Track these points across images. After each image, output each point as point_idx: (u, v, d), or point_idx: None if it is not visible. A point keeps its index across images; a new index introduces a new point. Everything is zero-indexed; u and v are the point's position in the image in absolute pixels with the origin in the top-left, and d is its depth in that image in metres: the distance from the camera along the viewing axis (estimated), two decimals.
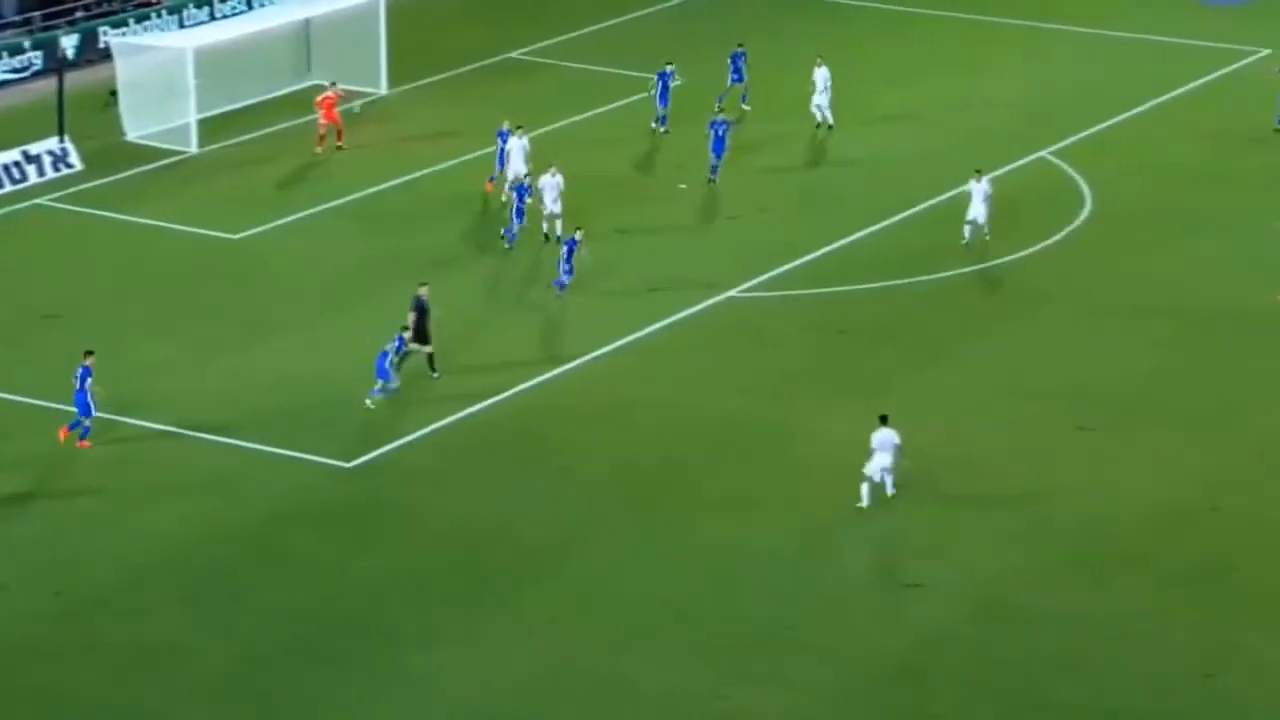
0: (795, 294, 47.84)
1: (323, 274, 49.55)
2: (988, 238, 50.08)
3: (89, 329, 46.23)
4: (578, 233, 47.73)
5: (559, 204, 50.26)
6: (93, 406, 41.01)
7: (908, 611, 36.00)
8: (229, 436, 41.45)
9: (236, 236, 51.70)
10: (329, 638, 35.06)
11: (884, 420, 38.96)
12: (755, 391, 43.70)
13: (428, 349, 43.86)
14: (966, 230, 50.08)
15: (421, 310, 43.91)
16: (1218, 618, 35.73)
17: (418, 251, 50.32)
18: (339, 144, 56.94)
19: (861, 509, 38.71)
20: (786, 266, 49.36)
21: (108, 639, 35.08)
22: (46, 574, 36.84)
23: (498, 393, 43.40)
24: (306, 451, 40.94)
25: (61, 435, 41.05)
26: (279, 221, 52.51)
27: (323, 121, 56.91)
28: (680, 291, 48.11)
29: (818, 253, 50.25)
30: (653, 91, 57.99)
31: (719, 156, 53.90)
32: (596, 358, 45.09)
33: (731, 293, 48.24)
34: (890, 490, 39.03)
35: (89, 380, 40.92)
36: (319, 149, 56.89)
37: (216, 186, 55.08)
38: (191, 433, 41.70)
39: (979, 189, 50.01)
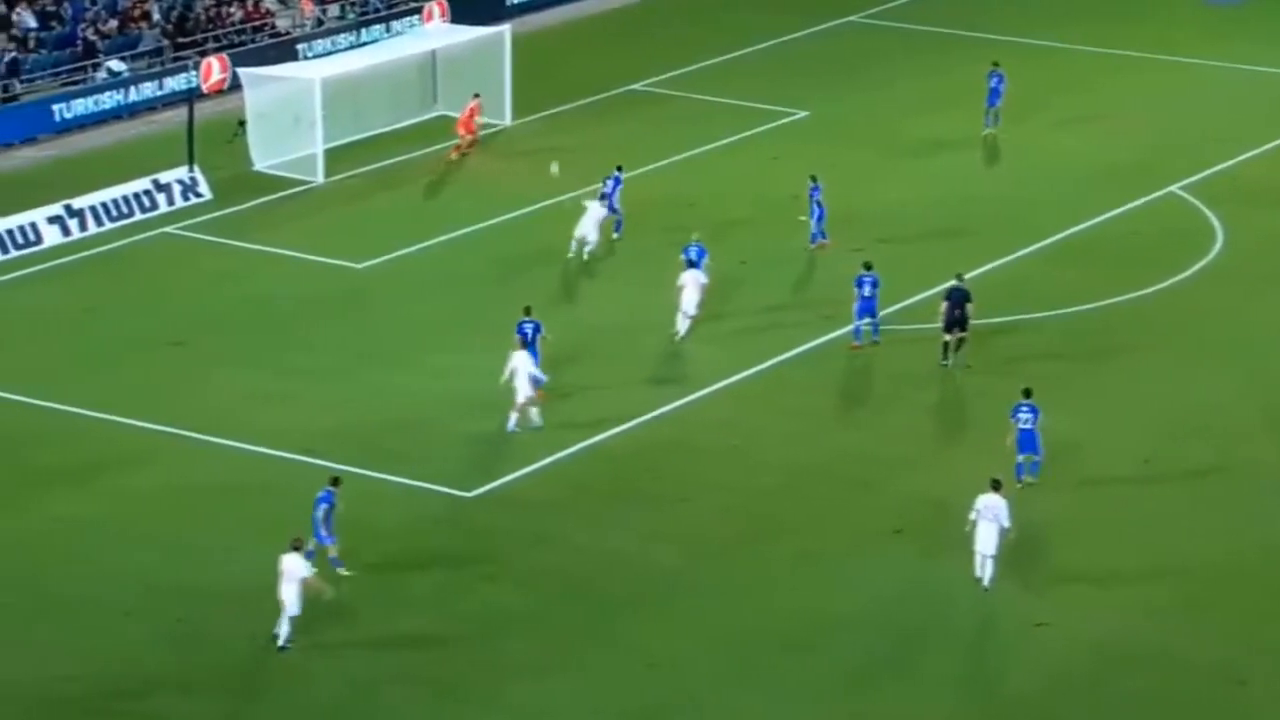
0: (922, 327, 47.38)
1: (442, 303, 49.74)
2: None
3: (212, 355, 46.76)
4: None
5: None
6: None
7: (1028, 649, 35.70)
8: (350, 465, 41.56)
9: (359, 266, 52.01)
10: (438, 666, 35.19)
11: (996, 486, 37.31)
12: (876, 425, 43.58)
13: None
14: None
15: None
16: None
17: (536, 282, 50.45)
18: (465, 151, 58.30)
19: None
20: (911, 299, 49.10)
21: (226, 665, 35.33)
22: (166, 601, 37.13)
23: (617, 424, 43.41)
24: (426, 480, 41.13)
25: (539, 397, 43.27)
26: (401, 252, 52.79)
27: (463, 134, 57.96)
28: (801, 325, 47.95)
29: (942, 286, 49.85)
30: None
31: (819, 222, 52.05)
32: (718, 389, 45.03)
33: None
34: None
35: (541, 333, 44.04)
36: (453, 155, 58.47)
37: (341, 216, 55.50)
38: (313, 460, 41.89)
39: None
